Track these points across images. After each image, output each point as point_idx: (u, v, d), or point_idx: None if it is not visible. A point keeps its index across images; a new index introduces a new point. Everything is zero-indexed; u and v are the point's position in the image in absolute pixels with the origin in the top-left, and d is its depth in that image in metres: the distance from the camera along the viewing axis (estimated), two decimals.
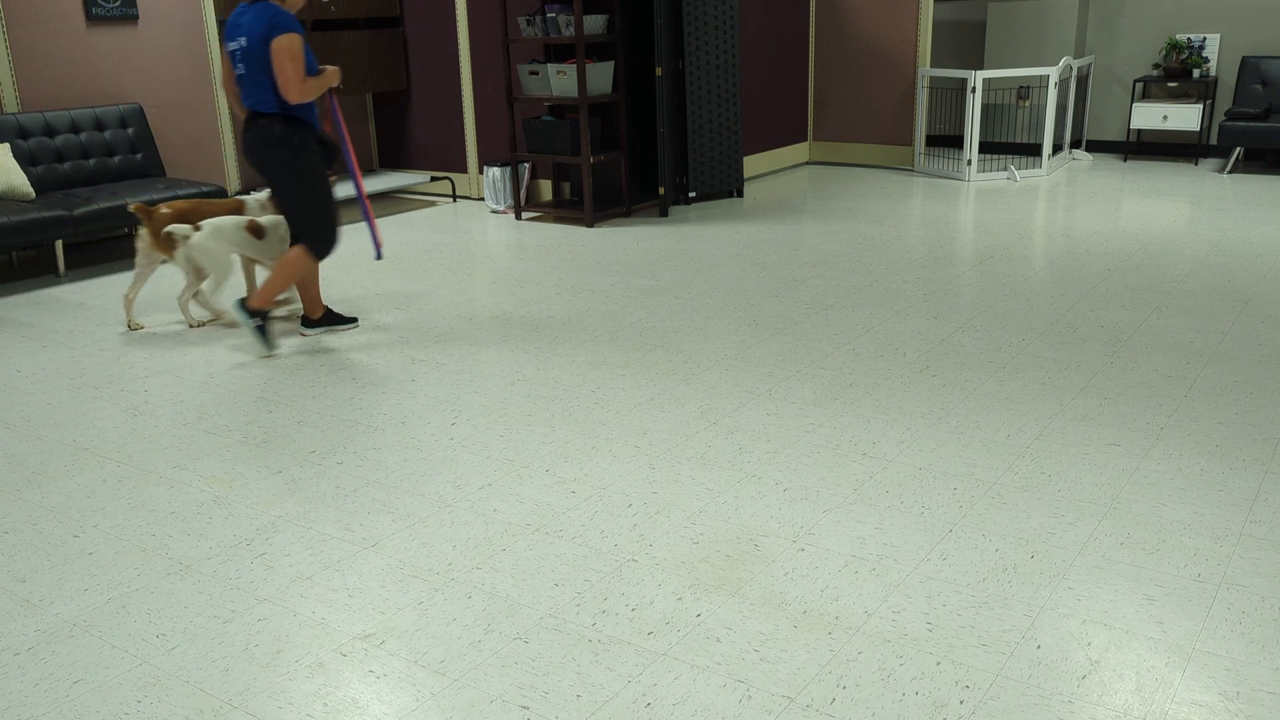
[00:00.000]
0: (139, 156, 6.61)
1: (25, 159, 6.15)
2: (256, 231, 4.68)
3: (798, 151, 9.07)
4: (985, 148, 9.14)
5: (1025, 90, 8.77)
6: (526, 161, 7.38)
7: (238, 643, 2.42)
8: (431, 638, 2.42)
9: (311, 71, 4.26)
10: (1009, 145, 9.03)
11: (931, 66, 9.04)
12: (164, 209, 4.74)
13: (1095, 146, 9.03)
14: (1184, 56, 8.33)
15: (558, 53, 7.25)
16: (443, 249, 6.40)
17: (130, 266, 6.19)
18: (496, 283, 5.55)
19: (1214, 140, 8.57)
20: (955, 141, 9.20)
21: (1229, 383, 3.82)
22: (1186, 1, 8.40)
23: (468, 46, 7.66)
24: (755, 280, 5.42)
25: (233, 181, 7.43)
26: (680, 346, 4.42)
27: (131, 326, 4.90)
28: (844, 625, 2.41)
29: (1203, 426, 3.44)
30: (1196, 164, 8.44)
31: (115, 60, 6.71)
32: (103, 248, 6.71)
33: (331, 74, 4.30)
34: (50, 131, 6.29)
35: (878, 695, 2.17)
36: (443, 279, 5.67)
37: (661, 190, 7.06)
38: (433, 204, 7.91)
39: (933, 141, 9.38)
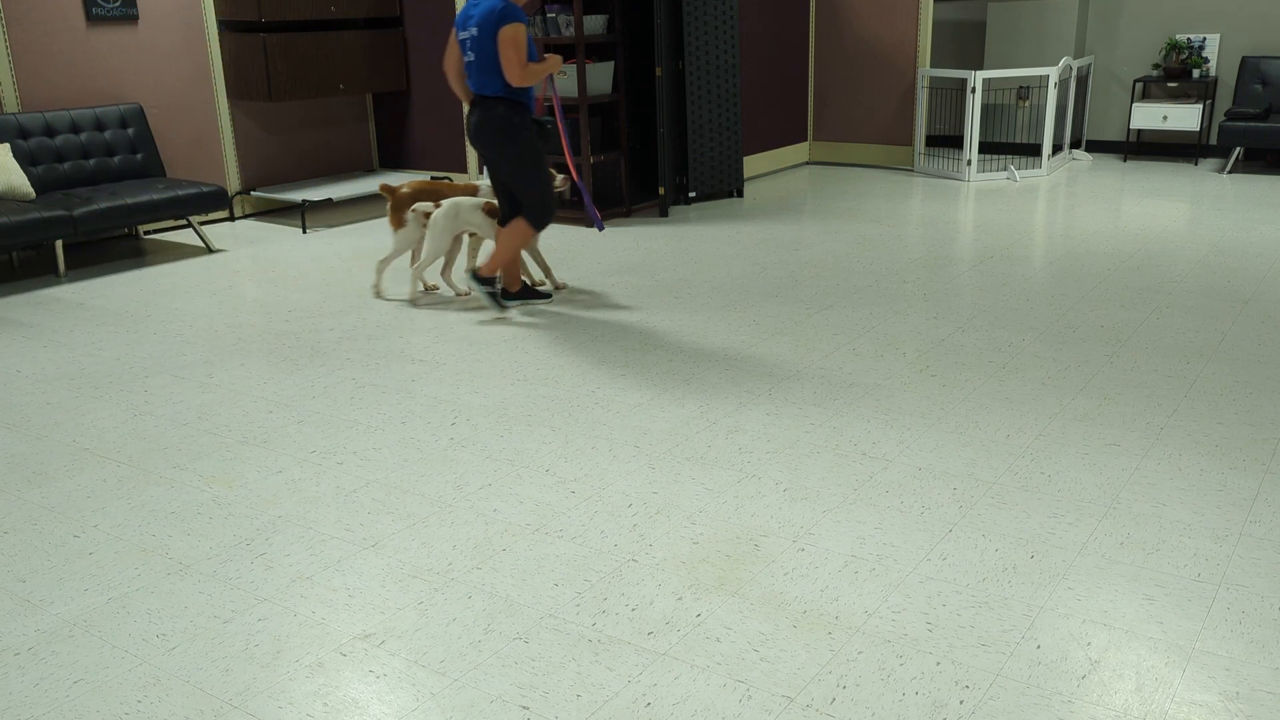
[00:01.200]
0: (139, 156, 6.61)
1: (25, 159, 6.15)
2: (491, 213, 4.99)
3: (798, 151, 9.07)
4: (985, 148, 9.14)
5: (1025, 90, 8.77)
6: None
7: (238, 643, 2.42)
8: (431, 638, 2.42)
9: (532, 59, 4.63)
10: (1009, 145, 9.03)
11: (931, 66, 9.04)
12: (404, 188, 5.11)
13: (1095, 146, 9.04)
14: (1184, 56, 8.33)
15: (558, 53, 7.24)
16: None
17: (128, 265, 6.19)
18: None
19: (1214, 140, 8.57)
20: (955, 141, 9.20)
21: (1229, 383, 3.83)
22: (1186, 1, 8.40)
23: None
24: (755, 280, 5.42)
25: (233, 181, 7.43)
26: (680, 346, 4.42)
27: (377, 293, 5.31)
28: (844, 625, 2.41)
29: (1203, 426, 3.44)
30: (1196, 164, 8.44)
31: (115, 60, 6.71)
32: (103, 248, 6.71)
33: (553, 61, 4.64)
34: (50, 131, 6.29)
35: (878, 695, 2.17)
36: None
37: (661, 190, 7.06)
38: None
39: (933, 141, 9.38)
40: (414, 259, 5.28)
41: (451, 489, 3.17)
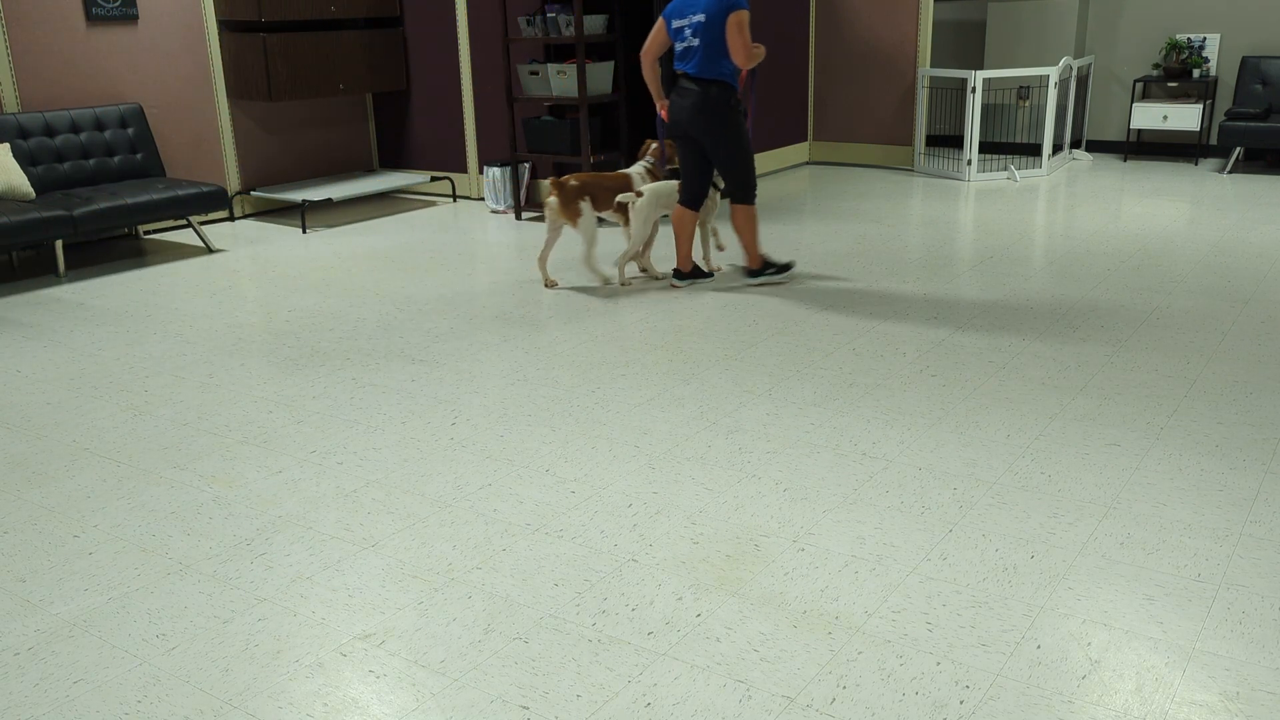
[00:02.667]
0: (139, 156, 6.61)
1: (25, 159, 6.15)
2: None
3: (798, 151, 9.07)
4: (985, 148, 9.14)
5: (1025, 90, 8.77)
6: (526, 161, 7.38)
7: (238, 643, 2.42)
8: (431, 638, 2.42)
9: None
10: (1009, 145, 9.03)
11: (931, 66, 9.04)
12: (572, 180, 5.24)
13: (1095, 146, 9.04)
14: (1184, 56, 8.33)
15: (558, 53, 7.25)
16: (443, 249, 6.40)
17: (128, 265, 6.19)
18: (496, 283, 5.55)
19: (1214, 140, 8.57)
20: (955, 141, 9.20)
21: (1229, 383, 3.83)
22: (1186, 1, 8.40)
23: (468, 46, 7.66)
24: (750, 282, 5.41)
25: (233, 181, 7.43)
26: (680, 346, 4.42)
27: (547, 285, 5.43)
28: (844, 625, 2.41)
29: (1203, 426, 3.44)
30: (1196, 164, 8.44)
31: (115, 60, 6.71)
32: (103, 248, 6.71)
33: (762, 50, 4.92)
34: (50, 131, 6.29)
35: (878, 695, 2.17)
36: (443, 279, 5.67)
37: None
38: (433, 204, 7.91)
39: (933, 141, 9.38)
40: (548, 253, 5.44)
41: (451, 489, 3.17)
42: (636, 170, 5.57)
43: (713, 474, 3.21)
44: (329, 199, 7.13)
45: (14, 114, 6.17)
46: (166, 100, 7.01)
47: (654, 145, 5.64)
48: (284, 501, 3.13)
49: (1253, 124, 7.68)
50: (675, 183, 5.29)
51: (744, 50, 4.81)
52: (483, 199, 7.96)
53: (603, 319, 4.83)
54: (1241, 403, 3.64)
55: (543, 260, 5.42)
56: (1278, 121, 7.69)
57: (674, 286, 5.34)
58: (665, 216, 5.92)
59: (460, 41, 7.67)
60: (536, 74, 6.79)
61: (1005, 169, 8.26)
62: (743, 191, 5.10)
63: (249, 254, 6.44)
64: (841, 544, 2.77)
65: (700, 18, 4.86)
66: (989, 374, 3.99)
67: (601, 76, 6.72)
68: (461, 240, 6.63)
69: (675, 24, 5.00)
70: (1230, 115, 7.83)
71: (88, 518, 3.06)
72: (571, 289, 5.35)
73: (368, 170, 8.36)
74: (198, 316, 5.10)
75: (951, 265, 5.60)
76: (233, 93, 7.32)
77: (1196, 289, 5.02)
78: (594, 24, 6.60)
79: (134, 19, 6.76)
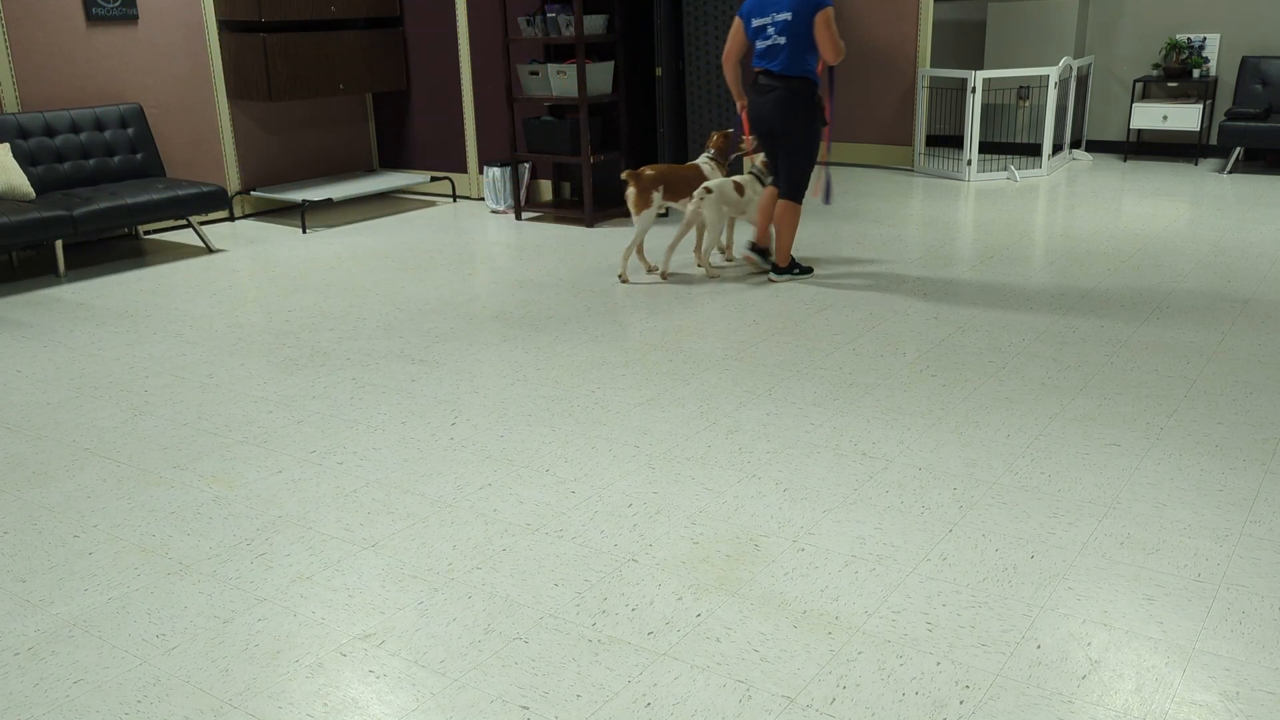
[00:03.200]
0: (139, 156, 6.61)
1: (25, 159, 6.15)
2: (739, 190, 5.42)
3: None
4: (985, 148, 9.14)
5: (1025, 90, 8.77)
6: (526, 161, 7.38)
7: (238, 643, 2.42)
8: (431, 638, 2.42)
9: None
10: (1009, 145, 9.03)
11: (931, 66, 9.04)
12: (648, 170, 5.42)
13: (1095, 146, 9.04)
14: (1184, 56, 8.32)
15: (558, 53, 7.25)
16: (443, 249, 6.40)
17: (128, 265, 6.19)
18: (496, 283, 5.55)
19: (1214, 140, 8.57)
20: (955, 141, 9.20)
21: (1229, 383, 3.82)
22: (1186, 1, 8.40)
23: (468, 46, 7.66)
24: (755, 280, 5.42)
25: (232, 181, 7.43)
26: (680, 346, 4.42)
27: (650, 270, 5.62)
28: (844, 625, 2.41)
29: (1203, 426, 3.44)
30: (1196, 164, 8.44)
31: (115, 60, 6.71)
32: (103, 248, 6.71)
33: (844, 46, 5.05)
34: (50, 131, 6.29)
35: (878, 695, 2.17)
36: (443, 279, 5.67)
37: None
38: (433, 204, 7.91)
39: (933, 141, 9.38)
40: (633, 240, 5.53)
41: (451, 489, 3.17)
42: (704, 161, 5.69)
43: (713, 474, 3.21)
44: (329, 199, 7.13)
45: (14, 114, 6.17)
46: (166, 100, 7.01)
47: (716, 136, 5.74)
48: (284, 501, 3.13)
49: (1253, 124, 7.68)
50: (734, 179, 5.43)
51: (833, 46, 4.93)
52: (483, 199, 7.96)
53: (602, 319, 4.83)
54: (1241, 403, 3.64)
55: (635, 252, 5.61)
56: (1278, 121, 7.69)
57: (771, 281, 5.43)
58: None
59: (460, 41, 7.67)
60: (536, 74, 6.79)
61: (1005, 169, 8.26)
62: (794, 190, 5.21)
63: (249, 254, 6.44)
64: (841, 544, 2.77)
65: (786, 16, 4.95)
66: (989, 374, 3.99)
67: (601, 76, 6.72)
68: (461, 240, 6.63)
69: (755, 23, 5.10)
70: (1230, 115, 7.82)
71: (88, 518, 3.06)
72: (572, 290, 5.35)
73: (368, 170, 8.36)
74: (198, 316, 5.10)
75: (951, 265, 5.60)
76: (233, 93, 7.32)
77: (1196, 289, 5.02)
78: (594, 24, 6.60)
79: (134, 19, 6.76)
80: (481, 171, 7.91)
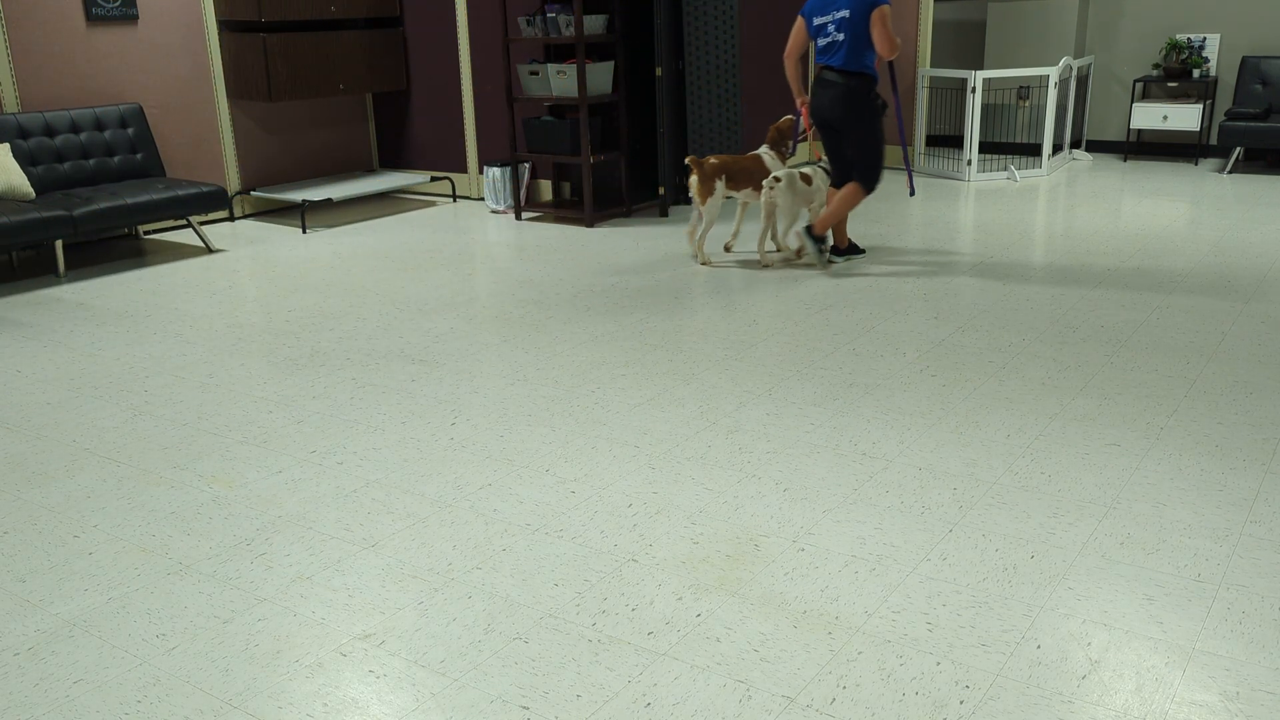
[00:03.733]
0: (139, 156, 6.61)
1: (25, 159, 6.15)
2: (806, 180, 5.61)
3: (798, 152, 9.06)
4: (985, 148, 9.14)
5: (1025, 90, 8.77)
6: (526, 161, 7.38)
7: (238, 643, 2.42)
8: (431, 638, 2.42)
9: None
10: (1009, 145, 9.03)
11: (931, 66, 9.04)
12: (711, 160, 5.61)
13: (1095, 146, 9.03)
14: (1184, 56, 8.32)
15: (558, 53, 7.25)
16: (443, 249, 6.40)
17: (128, 265, 6.19)
18: (496, 283, 5.56)
19: (1214, 140, 8.57)
20: (955, 141, 9.20)
21: (1229, 383, 3.82)
22: (1186, 1, 8.40)
23: (468, 46, 7.66)
24: (755, 280, 5.42)
25: (232, 181, 7.43)
26: (680, 346, 4.42)
27: (701, 261, 5.78)
28: (844, 625, 2.41)
29: (1203, 426, 3.44)
30: (1196, 164, 8.44)
31: (115, 60, 6.71)
32: (103, 248, 6.71)
33: (899, 43, 5.27)
34: (50, 131, 6.29)
35: (878, 695, 2.17)
36: (443, 279, 5.67)
37: (661, 190, 7.06)
38: (433, 204, 7.91)
39: (933, 141, 9.38)
40: (698, 227, 5.74)
41: (451, 489, 3.17)
42: (765, 152, 5.82)
43: (713, 474, 3.21)
44: (329, 199, 7.13)
45: (14, 114, 6.17)
46: (166, 100, 7.01)
47: (774, 129, 5.91)
48: (284, 501, 3.13)
49: (1253, 124, 7.68)
50: (800, 170, 5.64)
51: (888, 42, 5.11)
52: (483, 199, 7.96)
53: (602, 319, 4.83)
54: (1241, 403, 3.64)
55: (694, 235, 5.78)
56: (1278, 121, 7.68)
57: (831, 263, 5.63)
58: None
59: (460, 41, 7.67)
60: (536, 74, 6.79)
61: (1005, 169, 8.26)
62: (867, 177, 5.42)
63: (249, 254, 6.44)
64: (841, 544, 2.77)
65: (845, 13, 5.16)
66: (989, 374, 3.99)
67: (601, 76, 6.72)
68: (461, 240, 6.63)
69: (817, 21, 5.30)
70: (1230, 115, 7.82)
71: (88, 518, 3.06)
72: (572, 290, 5.35)
73: (368, 170, 8.36)
74: (198, 316, 5.10)
75: (951, 265, 5.60)
76: (233, 93, 7.32)
77: (1196, 289, 5.02)
78: (594, 24, 6.60)
79: (134, 19, 6.76)
80: (481, 171, 7.92)
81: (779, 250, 5.92)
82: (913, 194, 5.98)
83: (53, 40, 6.40)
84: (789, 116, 5.88)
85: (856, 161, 5.42)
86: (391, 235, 6.86)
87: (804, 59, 5.74)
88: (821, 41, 5.32)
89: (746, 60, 8.15)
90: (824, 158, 5.73)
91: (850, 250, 5.72)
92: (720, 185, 5.58)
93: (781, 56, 8.60)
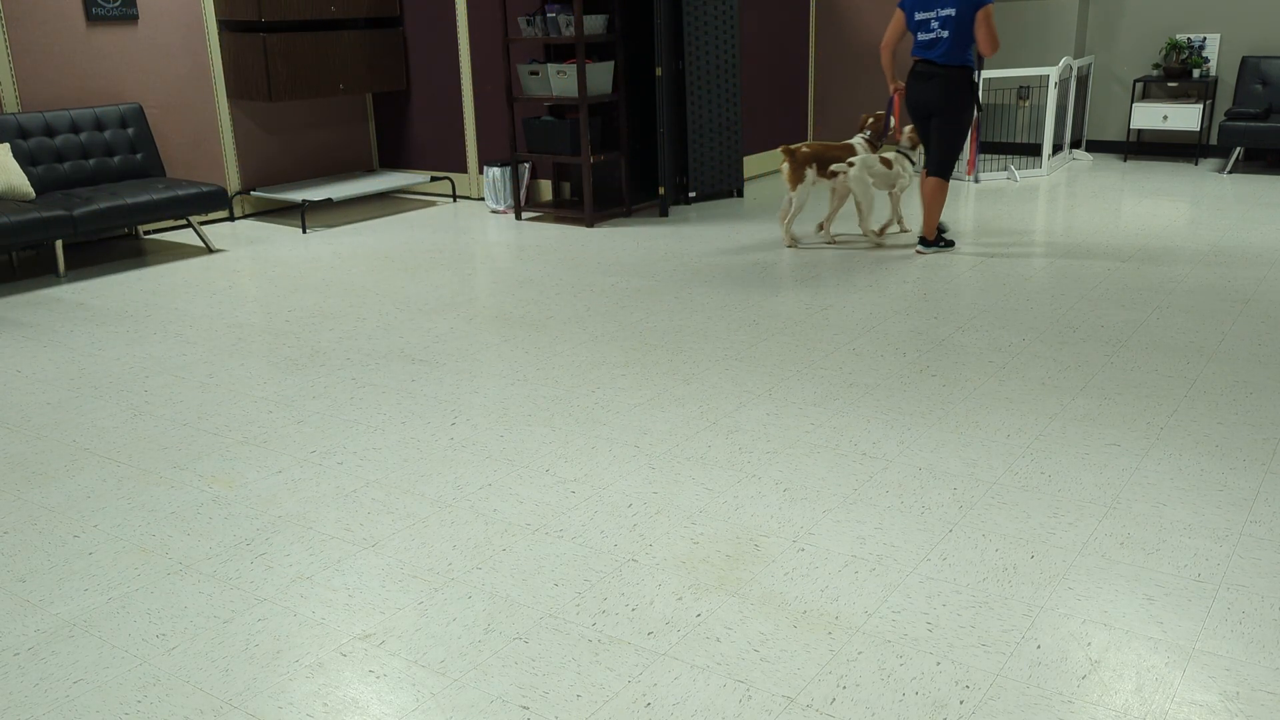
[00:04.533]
0: (139, 156, 6.61)
1: (25, 159, 6.15)
2: (887, 164, 5.94)
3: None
4: (985, 148, 9.14)
5: (1025, 90, 8.77)
6: (526, 161, 7.38)
7: (238, 643, 2.42)
8: (431, 638, 2.42)
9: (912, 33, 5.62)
10: (1009, 145, 9.03)
11: None
12: (803, 148, 5.94)
13: (1095, 146, 9.03)
14: (1184, 56, 8.32)
15: (558, 53, 7.25)
16: (443, 249, 6.40)
17: (128, 265, 6.19)
18: (496, 283, 5.56)
19: (1214, 140, 8.57)
20: None
21: (1229, 383, 3.82)
22: (1186, 1, 8.40)
23: (468, 46, 7.66)
24: (755, 280, 5.42)
25: (233, 181, 7.43)
26: (680, 346, 4.42)
27: (788, 244, 6.15)
28: (844, 625, 2.41)
29: (1203, 426, 3.44)
30: (1196, 164, 8.44)
31: (115, 60, 6.71)
32: (103, 248, 6.71)
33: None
34: (50, 131, 6.29)
35: (878, 695, 2.17)
36: (443, 279, 5.67)
37: (661, 190, 7.06)
38: (433, 204, 7.91)
39: None
40: (786, 212, 6.07)
41: (451, 489, 3.17)
42: (858, 140, 6.08)
43: (713, 474, 3.21)
44: (329, 199, 7.13)
45: (14, 114, 6.17)
46: (166, 100, 7.01)
47: (870, 120, 6.17)
48: (284, 501, 3.13)
49: (1253, 124, 7.68)
50: (882, 155, 5.94)
51: (992, 41, 5.36)
52: (483, 199, 7.96)
53: (602, 319, 4.83)
54: (1241, 403, 3.64)
55: (784, 219, 6.08)
56: (1278, 121, 7.68)
57: (919, 254, 5.84)
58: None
59: (460, 41, 7.67)
60: (536, 74, 6.79)
61: (1005, 169, 8.26)
62: (943, 168, 5.64)
63: (249, 254, 6.44)
64: (841, 544, 2.77)
65: (950, 11, 5.39)
66: (989, 374, 3.99)
67: (601, 76, 6.72)
68: (461, 240, 6.63)
69: (919, 16, 5.53)
70: (1230, 115, 7.82)
71: (88, 518, 3.06)
72: (572, 290, 5.35)
73: (368, 170, 8.36)
74: (198, 316, 5.10)
75: (951, 265, 5.60)
76: (233, 93, 7.32)
77: (1196, 289, 5.02)
78: (594, 24, 6.60)
79: (134, 19, 6.76)
80: (481, 171, 7.91)
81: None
82: (976, 181, 6.09)
83: (53, 40, 6.40)
84: (880, 111, 6.19)
85: (935, 148, 5.63)
86: (391, 235, 6.86)
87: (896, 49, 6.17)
88: (923, 36, 5.53)
89: (746, 60, 8.15)
90: (903, 142, 6.07)
91: (939, 243, 5.90)
92: (810, 172, 5.87)
93: (777, 57, 8.60)
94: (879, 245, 6.02)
